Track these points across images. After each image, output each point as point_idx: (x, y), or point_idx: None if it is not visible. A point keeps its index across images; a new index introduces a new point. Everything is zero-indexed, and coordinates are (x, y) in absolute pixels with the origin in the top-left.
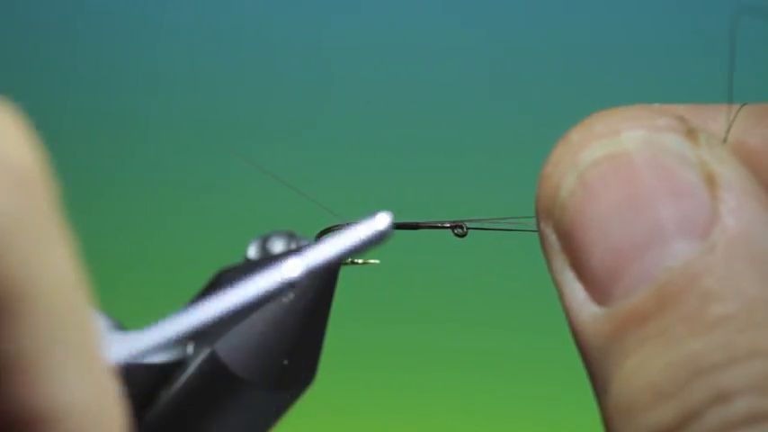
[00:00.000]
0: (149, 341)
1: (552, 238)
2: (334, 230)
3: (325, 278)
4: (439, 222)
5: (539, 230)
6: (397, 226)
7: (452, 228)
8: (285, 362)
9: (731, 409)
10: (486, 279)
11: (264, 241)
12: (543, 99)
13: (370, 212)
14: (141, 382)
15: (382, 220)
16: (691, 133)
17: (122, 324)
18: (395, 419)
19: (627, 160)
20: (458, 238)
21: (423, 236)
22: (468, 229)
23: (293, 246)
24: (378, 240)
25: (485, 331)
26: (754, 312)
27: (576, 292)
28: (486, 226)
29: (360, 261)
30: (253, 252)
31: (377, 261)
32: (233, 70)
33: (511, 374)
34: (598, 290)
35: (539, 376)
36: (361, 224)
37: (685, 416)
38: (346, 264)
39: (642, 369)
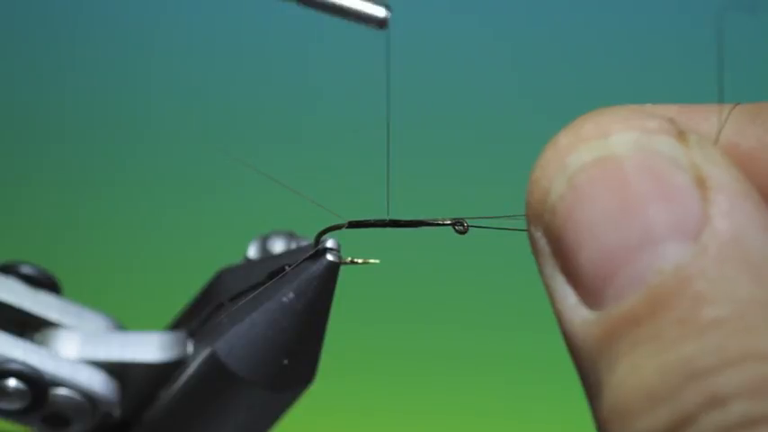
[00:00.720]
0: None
1: (542, 242)
2: (333, 230)
3: (324, 278)
4: (440, 219)
5: (529, 235)
6: (399, 224)
7: (453, 225)
8: (285, 362)
9: (726, 414)
10: (487, 277)
11: (264, 241)
12: (542, 96)
13: (370, 213)
14: (141, 382)
15: None
16: (681, 135)
17: (122, 324)
18: (395, 419)
19: (617, 163)
20: (459, 236)
21: (423, 235)
22: (468, 226)
23: (293, 245)
24: None
25: (485, 331)
26: (746, 315)
27: (567, 296)
28: (486, 224)
29: (360, 261)
30: (253, 252)
31: (377, 261)
32: (233, 71)
33: (511, 374)
34: (589, 294)
35: (539, 376)
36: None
37: (679, 420)
38: (346, 264)
39: (635, 373)
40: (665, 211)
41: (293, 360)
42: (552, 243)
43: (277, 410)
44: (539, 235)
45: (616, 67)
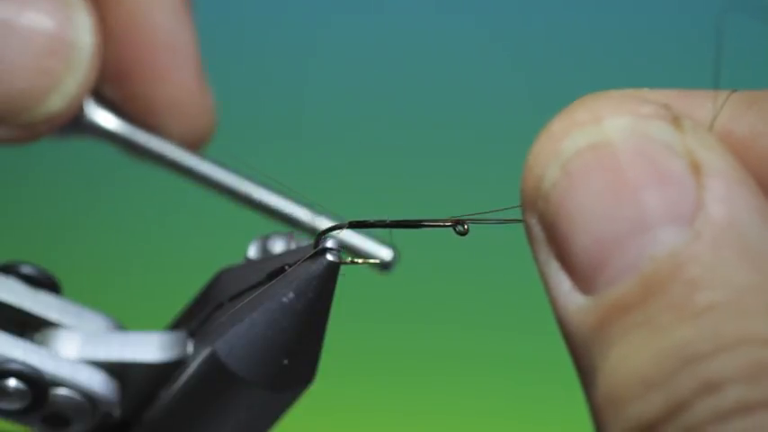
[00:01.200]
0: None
1: (537, 229)
2: (333, 231)
3: (324, 278)
4: (440, 220)
5: (524, 222)
6: (399, 224)
7: (454, 226)
8: (285, 362)
9: (721, 399)
10: (487, 277)
11: (264, 241)
12: (543, 95)
13: (370, 213)
14: (141, 382)
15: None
16: (676, 121)
17: (122, 324)
18: (395, 419)
19: (610, 149)
20: (459, 236)
21: (423, 235)
22: (469, 227)
23: (293, 246)
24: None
25: (486, 331)
26: (741, 300)
27: (562, 282)
28: (487, 218)
29: (360, 261)
30: (253, 252)
31: (377, 261)
32: (231, 70)
33: (511, 374)
34: (583, 280)
35: (539, 376)
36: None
37: (674, 406)
38: (346, 264)
39: (628, 359)
40: (658, 197)
41: (293, 360)
42: (546, 230)
43: (277, 410)
44: (533, 222)
45: (616, 66)
